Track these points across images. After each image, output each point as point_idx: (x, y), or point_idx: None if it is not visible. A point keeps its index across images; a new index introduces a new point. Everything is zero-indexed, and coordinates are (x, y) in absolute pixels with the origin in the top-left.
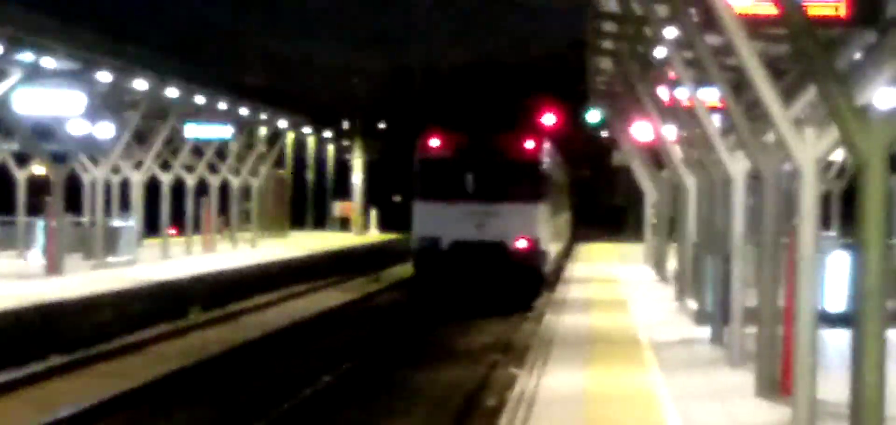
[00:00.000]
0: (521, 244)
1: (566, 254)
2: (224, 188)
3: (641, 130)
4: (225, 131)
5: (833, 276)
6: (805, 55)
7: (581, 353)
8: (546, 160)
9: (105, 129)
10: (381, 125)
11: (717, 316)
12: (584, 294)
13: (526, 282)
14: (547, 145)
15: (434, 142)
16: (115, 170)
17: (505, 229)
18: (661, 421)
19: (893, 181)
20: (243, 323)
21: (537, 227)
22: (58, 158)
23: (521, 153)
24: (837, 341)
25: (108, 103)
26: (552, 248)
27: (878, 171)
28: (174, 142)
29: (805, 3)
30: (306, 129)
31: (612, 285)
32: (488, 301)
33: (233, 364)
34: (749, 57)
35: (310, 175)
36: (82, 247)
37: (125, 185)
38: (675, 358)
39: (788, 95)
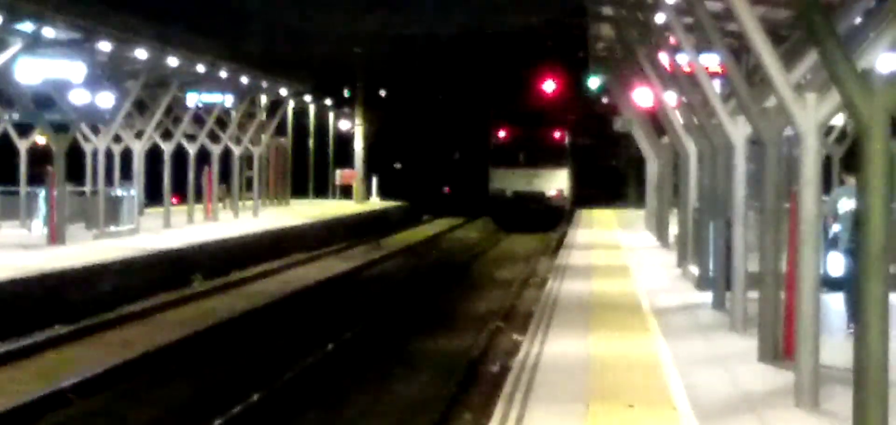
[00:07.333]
0: (554, 193)
1: (567, 219)
2: (226, 156)
3: (642, 96)
4: (226, 100)
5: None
6: (806, 19)
7: (583, 319)
8: (567, 140)
9: (106, 99)
10: (382, 93)
11: (719, 281)
12: (585, 260)
13: (555, 215)
14: (567, 131)
15: (502, 133)
16: (117, 139)
17: (544, 184)
18: (664, 386)
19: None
20: (246, 291)
21: (563, 183)
22: (59, 128)
23: (553, 138)
24: (840, 305)
25: (108, 72)
26: (570, 196)
27: (880, 136)
28: (175, 111)
29: None
30: (307, 98)
31: (614, 251)
32: (534, 224)
33: (236, 332)
34: (749, 22)
35: (311, 143)
36: (84, 217)
37: (126, 155)
38: (677, 323)
39: (789, 60)
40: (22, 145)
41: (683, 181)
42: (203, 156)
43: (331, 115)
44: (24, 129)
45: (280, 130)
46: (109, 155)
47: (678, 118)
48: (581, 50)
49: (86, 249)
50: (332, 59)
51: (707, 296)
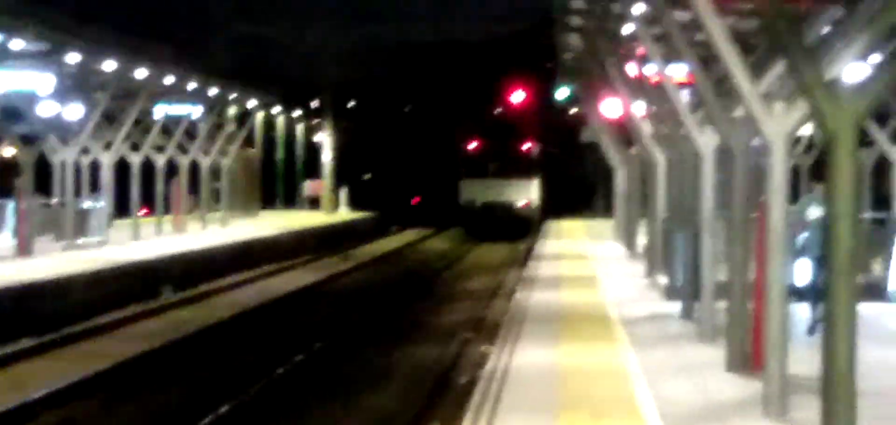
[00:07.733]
0: (523, 203)
1: (536, 229)
2: (194, 168)
3: (610, 106)
4: (194, 111)
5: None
6: (773, 29)
7: (552, 330)
8: (535, 153)
9: (74, 110)
10: (351, 103)
11: (688, 291)
12: (554, 271)
13: (524, 225)
14: (536, 142)
15: (472, 145)
16: (85, 151)
17: (513, 195)
18: (632, 396)
19: (863, 155)
20: (215, 302)
21: (531, 194)
22: (27, 140)
23: (521, 151)
24: (808, 315)
25: (77, 84)
26: (539, 206)
27: (847, 145)
28: (144, 123)
29: None
30: (276, 109)
31: (583, 261)
32: (504, 233)
33: (205, 344)
34: (717, 32)
35: (279, 154)
36: (53, 229)
37: (95, 166)
38: (645, 333)
39: (757, 70)
40: None
41: (652, 191)
42: (172, 168)
43: (299, 126)
44: None
45: (248, 142)
46: (78, 167)
47: (646, 128)
48: (549, 61)
49: (54, 261)
50: (301, 69)
51: (675, 306)
